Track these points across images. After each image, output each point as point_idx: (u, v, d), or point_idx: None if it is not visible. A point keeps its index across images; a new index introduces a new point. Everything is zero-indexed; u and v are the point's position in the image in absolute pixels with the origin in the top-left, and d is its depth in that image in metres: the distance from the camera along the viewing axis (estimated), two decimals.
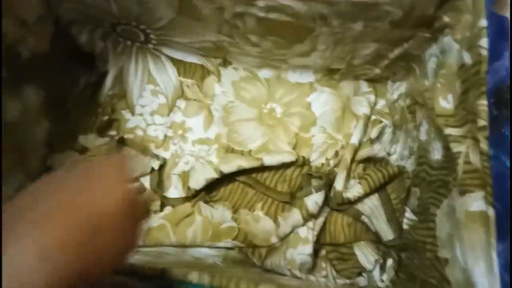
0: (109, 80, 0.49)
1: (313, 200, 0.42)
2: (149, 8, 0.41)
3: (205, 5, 0.39)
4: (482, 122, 0.29)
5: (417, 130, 0.42)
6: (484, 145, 0.29)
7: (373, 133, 0.46)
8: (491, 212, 0.28)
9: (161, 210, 0.46)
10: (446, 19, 0.35)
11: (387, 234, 0.43)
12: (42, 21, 0.40)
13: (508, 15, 0.31)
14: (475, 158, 0.30)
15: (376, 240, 0.44)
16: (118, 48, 0.50)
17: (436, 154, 0.37)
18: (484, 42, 0.30)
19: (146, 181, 0.46)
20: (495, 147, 0.29)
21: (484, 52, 0.30)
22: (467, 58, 0.32)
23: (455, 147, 0.33)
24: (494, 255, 0.27)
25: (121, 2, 0.41)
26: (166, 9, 0.41)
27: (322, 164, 0.47)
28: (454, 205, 0.32)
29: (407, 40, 0.39)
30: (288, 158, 0.47)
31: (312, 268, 0.43)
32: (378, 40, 0.40)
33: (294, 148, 0.48)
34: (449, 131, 0.34)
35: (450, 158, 0.34)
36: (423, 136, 0.40)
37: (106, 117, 0.49)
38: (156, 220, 0.45)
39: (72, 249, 0.18)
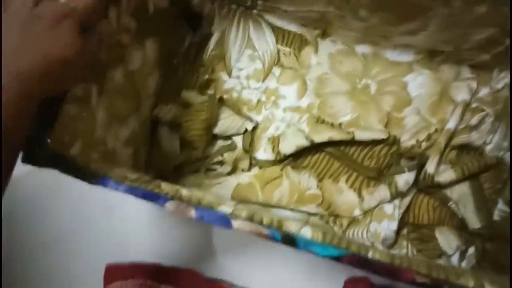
0: (212, 42, 0.52)
1: (404, 179, 0.43)
2: None
3: None
4: None
5: None
6: None
7: (473, 120, 0.45)
8: None
9: (249, 169, 0.49)
10: None
11: (474, 222, 0.43)
12: None
13: None
14: None
15: (460, 226, 0.44)
16: (223, 11, 0.52)
17: None
18: None
19: (238, 141, 0.49)
20: None
21: None
22: None
23: None
24: None
25: None
26: None
27: (413, 146, 0.47)
28: None
29: None
30: (379, 135, 0.47)
31: (393, 244, 0.44)
32: (499, 25, 0.39)
33: (385, 127, 0.49)
34: None
35: None
36: None
37: (206, 76, 0.51)
38: (245, 178, 0.48)
39: (40, 75, 0.26)
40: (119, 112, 0.40)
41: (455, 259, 0.44)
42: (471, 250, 0.43)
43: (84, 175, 0.28)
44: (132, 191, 0.27)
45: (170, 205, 0.27)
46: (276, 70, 0.52)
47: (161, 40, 0.45)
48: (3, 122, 0.25)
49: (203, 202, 0.29)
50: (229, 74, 0.52)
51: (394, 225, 0.43)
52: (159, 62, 0.47)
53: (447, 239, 0.44)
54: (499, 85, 0.47)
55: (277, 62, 0.52)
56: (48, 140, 0.30)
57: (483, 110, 0.46)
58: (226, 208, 0.29)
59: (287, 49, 0.52)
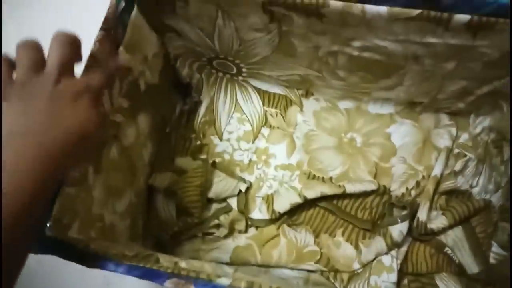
0: (202, 108, 0.54)
1: (398, 229, 0.44)
2: (249, 46, 0.46)
3: (302, 44, 0.43)
4: None
5: (505, 166, 0.42)
6: None
7: (457, 166, 0.47)
8: None
9: (246, 230, 0.50)
10: None
11: (472, 267, 0.44)
12: (156, 57, 0.46)
13: None
14: None
15: (459, 272, 0.45)
16: (211, 79, 0.55)
17: None
18: None
19: (233, 203, 0.50)
20: None
21: None
22: None
23: None
24: None
25: (224, 41, 0.46)
26: (264, 47, 0.45)
27: (403, 194, 0.49)
28: None
29: (499, 78, 0.40)
30: (369, 186, 0.48)
31: None
32: (468, 78, 0.42)
33: (374, 177, 0.50)
34: None
35: None
36: None
37: (198, 142, 0.53)
38: (243, 240, 0.48)
39: (65, 151, 0.27)
40: (115, 186, 0.41)
41: None
42: None
43: (84, 259, 0.29)
44: (131, 271, 0.28)
45: (169, 283, 0.27)
46: (265, 131, 0.54)
47: (153, 113, 0.48)
48: (26, 203, 0.24)
49: (201, 276, 0.30)
50: (220, 138, 0.54)
51: (393, 277, 0.43)
52: (152, 133, 0.49)
53: (448, 286, 0.44)
54: (477, 130, 0.49)
55: (265, 122, 0.55)
56: (48, 224, 0.30)
57: (465, 156, 0.48)
58: (224, 280, 0.30)
59: (274, 110, 0.55)
